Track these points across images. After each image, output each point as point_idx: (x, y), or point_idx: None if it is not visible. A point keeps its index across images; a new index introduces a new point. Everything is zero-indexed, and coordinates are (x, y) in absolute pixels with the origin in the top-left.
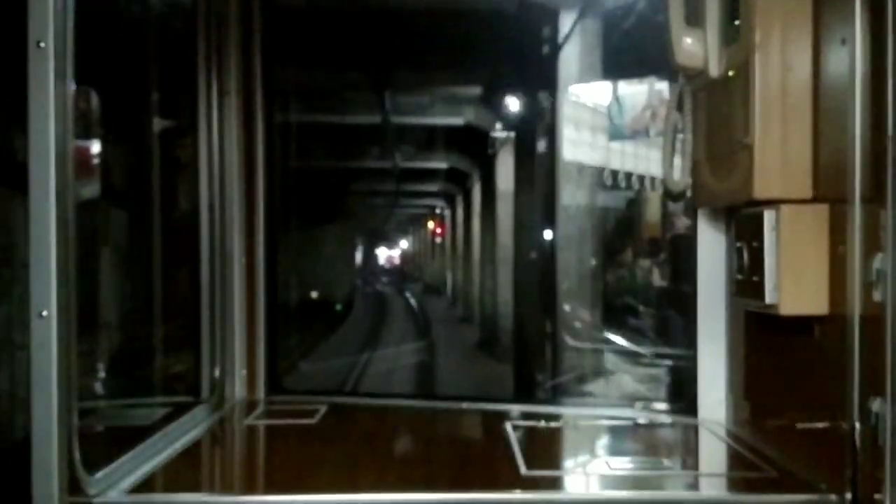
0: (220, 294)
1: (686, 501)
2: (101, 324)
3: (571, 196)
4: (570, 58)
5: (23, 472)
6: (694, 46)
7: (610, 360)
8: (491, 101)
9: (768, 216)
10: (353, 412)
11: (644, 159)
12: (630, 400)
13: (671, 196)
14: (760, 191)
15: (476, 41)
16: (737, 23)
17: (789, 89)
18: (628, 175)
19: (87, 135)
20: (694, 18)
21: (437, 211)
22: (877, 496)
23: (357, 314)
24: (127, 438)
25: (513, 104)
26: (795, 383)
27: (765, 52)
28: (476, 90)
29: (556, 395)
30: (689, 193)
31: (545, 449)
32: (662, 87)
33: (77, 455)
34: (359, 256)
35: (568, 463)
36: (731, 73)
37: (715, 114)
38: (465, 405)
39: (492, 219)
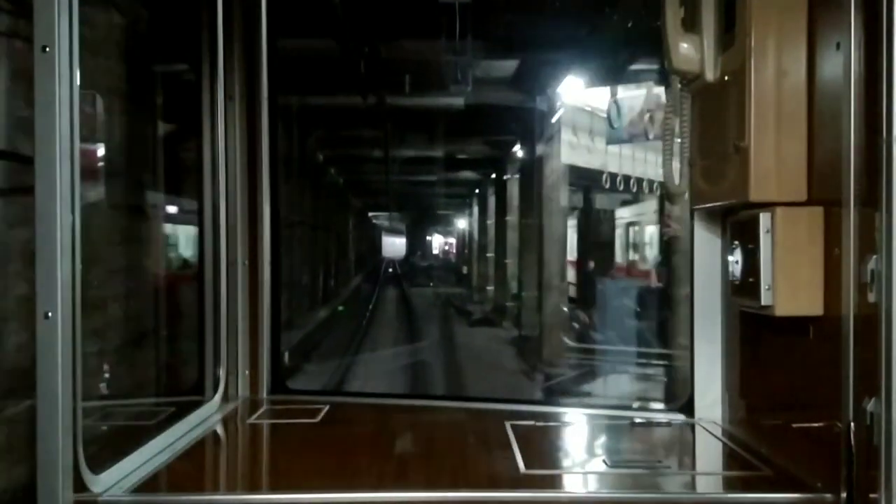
0: (225, 296)
1: (683, 500)
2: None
3: None
4: None
5: None
6: (690, 51)
7: None
8: None
9: (763, 218)
10: (355, 412)
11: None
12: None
13: (671, 199)
14: (755, 193)
15: None
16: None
17: (784, 93)
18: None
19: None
20: (690, 24)
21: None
22: (872, 495)
23: None
24: (132, 437)
25: None
26: (791, 383)
27: (760, 56)
28: None
29: None
30: (688, 196)
31: (544, 448)
32: (660, 91)
33: (82, 454)
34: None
35: (566, 462)
36: (726, 78)
37: (711, 118)
38: (464, 405)
39: None
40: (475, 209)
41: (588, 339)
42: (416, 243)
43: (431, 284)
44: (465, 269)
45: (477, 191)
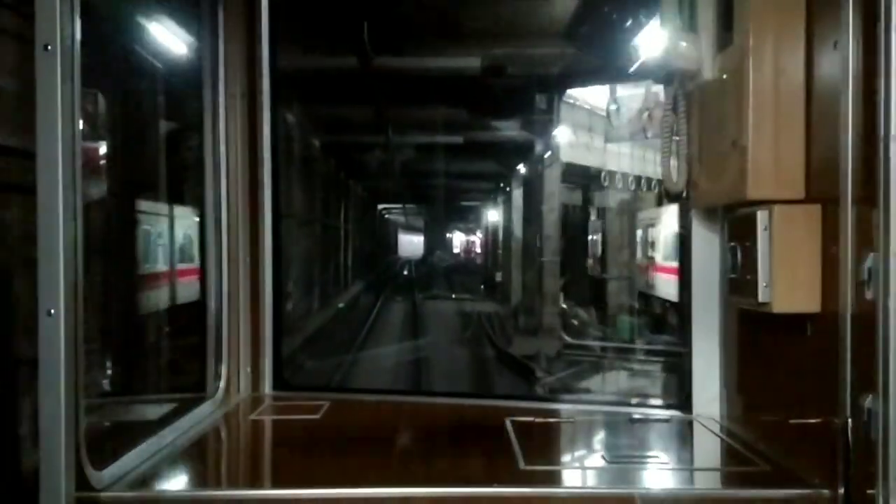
0: (227, 292)
1: (681, 496)
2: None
3: None
4: None
5: None
6: (689, 50)
7: None
8: None
9: (761, 216)
10: (356, 408)
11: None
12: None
13: (669, 196)
14: (753, 191)
15: None
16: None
17: (782, 92)
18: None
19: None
20: (689, 23)
21: None
22: (869, 491)
23: None
24: (135, 434)
25: None
26: (788, 380)
27: (758, 55)
28: None
29: None
30: (685, 194)
31: (543, 444)
32: (658, 89)
33: (84, 451)
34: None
35: (565, 458)
36: (725, 77)
37: (709, 116)
38: (464, 401)
39: None
40: (514, 191)
41: None
42: (435, 238)
43: (454, 296)
44: (498, 277)
45: (522, 168)
